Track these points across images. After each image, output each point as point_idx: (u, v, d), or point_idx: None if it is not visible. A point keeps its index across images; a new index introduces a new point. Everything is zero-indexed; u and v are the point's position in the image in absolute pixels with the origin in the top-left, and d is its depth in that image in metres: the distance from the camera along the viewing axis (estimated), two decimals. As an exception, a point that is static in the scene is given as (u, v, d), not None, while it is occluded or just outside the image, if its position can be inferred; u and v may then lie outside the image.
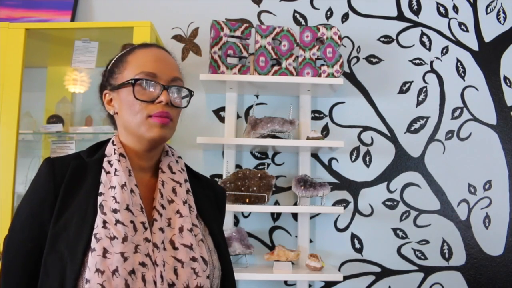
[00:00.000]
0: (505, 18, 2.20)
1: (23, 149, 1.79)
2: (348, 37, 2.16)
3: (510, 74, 2.17)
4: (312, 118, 2.09)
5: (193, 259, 0.86)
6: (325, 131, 2.10)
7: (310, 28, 1.96)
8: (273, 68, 1.92)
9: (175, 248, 0.86)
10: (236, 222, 2.02)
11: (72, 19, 2.02)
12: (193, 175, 1.04)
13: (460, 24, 2.19)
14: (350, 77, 2.13)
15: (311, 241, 2.01)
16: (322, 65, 1.94)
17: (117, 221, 0.82)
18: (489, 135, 2.12)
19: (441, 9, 2.19)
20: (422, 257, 2.05)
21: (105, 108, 0.99)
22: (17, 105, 1.63)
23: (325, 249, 2.03)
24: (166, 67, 0.94)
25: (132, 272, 0.79)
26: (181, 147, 2.05)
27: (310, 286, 2.00)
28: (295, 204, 1.99)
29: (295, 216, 2.03)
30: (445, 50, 2.17)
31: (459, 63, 2.16)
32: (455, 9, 2.19)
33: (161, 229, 0.87)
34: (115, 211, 0.83)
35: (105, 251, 0.79)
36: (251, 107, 2.07)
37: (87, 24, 1.86)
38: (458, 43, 2.18)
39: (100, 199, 0.85)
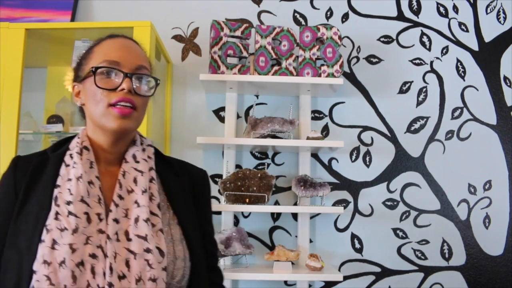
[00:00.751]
0: (505, 18, 2.20)
1: (23, 149, 1.79)
2: (348, 37, 2.16)
3: (510, 74, 2.17)
4: (312, 118, 2.09)
5: (147, 250, 0.84)
6: (325, 131, 2.10)
7: (310, 28, 1.96)
8: (273, 68, 1.92)
9: (129, 239, 0.84)
10: (236, 222, 2.02)
11: (72, 19, 2.02)
12: (166, 162, 1.02)
13: (460, 24, 2.19)
14: (350, 77, 2.13)
15: (311, 241, 2.01)
16: (322, 65, 1.94)
17: (70, 213, 0.82)
18: (489, 135, 2.12)
19: (441, 9, 2.19)
20: (422, 257, 2.05)
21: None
22: (17, 105, 1.63)
23: (325, 249, 2.03)
24: (130, 55, 0.93)
25: (81, 263, 0.79)
26: (181, 147, 2.05)
27: (310, 286, 2.00)
28: (295, 204, 1.99)
29: (295, 216, 2.03)
30: (445, 50, 2.17)
31: (459, 63, 2.16)
32: (455, 9, 2.19)
33: (116, 220, 0.85)
34: (68, 203, 0.83)
35: (54, 242, 0.79)
36: (251, 107, 2.07)
37: (87, 24, 1.86)
38: (458, 43, 2.18)
39: (56, 191, 0.86)
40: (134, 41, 0.99)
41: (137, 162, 0.95)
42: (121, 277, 0.81)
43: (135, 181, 0.91)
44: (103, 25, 1.77)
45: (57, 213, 0.83)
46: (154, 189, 0.93)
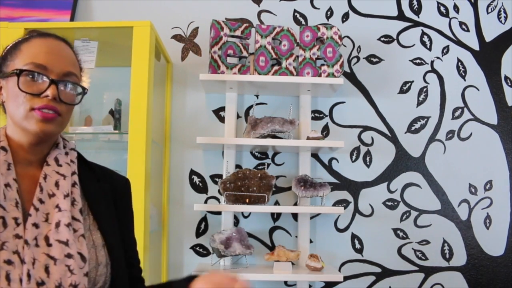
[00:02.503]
0: (506, 18, 2.20)
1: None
2: (348, 37, 2.15)
3: (511, 73, 2.16)
4: (312, 118, 2.08)
5: (68, 255, 0.81)
6: (325, 131, 2.09)
7: (310, 28, 1.96)
8: (273, 68, 1.92)
9: (49, 245, 0.81)
10: (236, 222, 2.02)
11: (72, 19, 2.02)
12: (88, 167, 1.00)
13: (460, 23, 2.18)
14: (350, 77, 2.13)
15: (311, 241, 2.01)
16: (322, 65, 1.94)
17: None
18: (490, 135, 2.12)
19: (442, 8, 2.19)
20: (423, 258, 2.04)
21: None
22: (17, 105, 1.62)
23: (325, 249, 2.02)
24: (60, 60, 0.89)
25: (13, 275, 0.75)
26: (181, 147, 2.05)
27: (310, 287, 2.00)
28: (295, 204, 1.99)
29: (295, 216, 2.02)
30: (445, 50, 2.16)
31: (459, 63, 2.16)
32: (456, 8, 2.19)
33: (35, 225, 0.82)
34: None
35: None
36: (251, 107, 2.07)
37: (87, 24, 1.86)
38: (458, 42, 2.17)
39: None
40: (66, 43, 0.95)
41: (60, 165, 0.92)
42: (40, 283, 0.78)
43: (57, 184, 0.88)
44: (102, 24, 1.77)
45: None
46: (76, 193, 0.91)
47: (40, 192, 0.86)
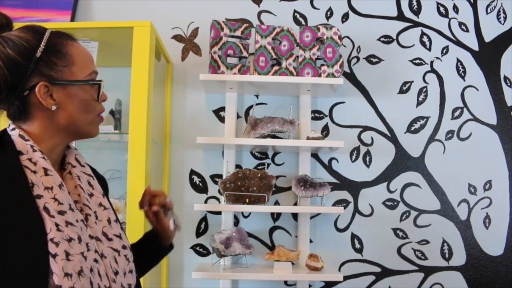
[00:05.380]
0: (505, 18, 2.20)
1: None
2: (348, 37, 2.15)
3: (510, 74, 2.16)
4: (312, 118, 2.09)
5: (124, 247, 0.92)
6: (325, 131, 2.10)
7: (310, 28, 1.96)
8: (273, 68, 1.92)
9: (109, 239, 0.90)
10: (236, 222, 2.02)
11: (72, 19, 2.02)
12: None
13: (460, 24, 2.19)
14: (350, 77, 2.13)
15: (311, 241, 2.01)
16: (322, 65, 1.94)
17: (67, 223, 0.81)
18: (489, 135, 2.12)
19: (441, 9, 2.19)
20: (422, 257, 2.05)
21: (24, 98, 0.86)
22: (17, 105, 1.62)
23: (325, 249, 2.03)
24: None
25: (91, 269, 0.81)
26: (181, 147, 2.05)
27: (310, 286, 2.00)
28: (295, 204, 1.99)
29: (295, 216, 2.03)
30: (445, 50, 2.17)
31: (459, 63, 2.16)
32: (455, 9, 2.19)
33: (96, 223, 0.89)
34: (61, 212, 0.81)
35: (67, 254, 0.78)
36: (251, 107, 2.07)
37: (87, 24, 1.86)
38: (458, 43, 2.17)
39: (41, 202, 0.80)
40: None
41: (83, 166, 0.96)
42: (115, 273, 0.87)
43: (90, 184, 0.94)
44: (103, 25, 1.77)
45: (57, 224, 0.79)
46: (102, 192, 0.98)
47: (83, 192, 0.91)
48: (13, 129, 0.87)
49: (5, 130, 0.88)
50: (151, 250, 1.15)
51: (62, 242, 0.78)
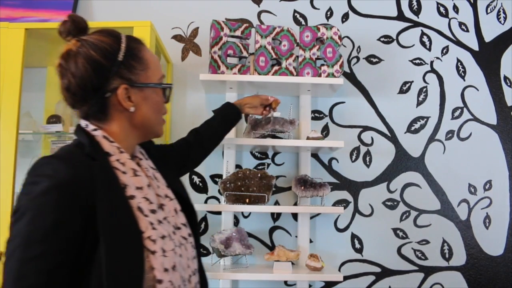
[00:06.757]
0: (505, 18, 2.20)
1: (23, 149, 1.79)
2: (348, 37, 2.15)
3: (510, 74, 2.16)
4: (312, 118, 2.09)
5: (189, 234, 0.97)
6: (325, 131, 2.10)
7: (310, 28, 1.96)
8: (273, 68, 1.92)
9: (177, 228, 0.94)
10: (236, 222, 2.02)
11: (72, 19, 2.02)
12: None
13: (460, 24, 2.19)
14: (350, 77, 2.13)
15: (311, 241, 2.01)
16: (322, 65, 1.94)
17: (159, 221, 0.87)
18: (489, 135, 2.12)
19: (441, 9, 2.19)
20: (422, 257, 2.04)
21: (105, 99, 0.89)
22: (17, 105, 1.62)
23: (325, 249, 2.02)
24: None
25: (180, 263, 0.88)
26: (181, 147, 2.05)
27: (310, 286, 2.00)
28: (295, 204, 1.99)
29: (295, 216, 2.03)
30: (445, 50, 2.17)
31: (459, 63, 2.16)
32: (455, 9, 2.19)
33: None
34: (153, 211, 0.87)
35: (163, 250, 0.84)
36: (251, 107, 2.07)
37: (87, 24, 1.86)
38: (458, 43, 2.17)
39: (134, 202, 0.85)
40: None
41: (147, 159, 1.01)
42: (188, 259, 0.94)
43: (155, 177, 0.98)
44: (103, 25, 1.75)
45: (151, 223, 0.85)
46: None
47: (154, 183, 0.95)
48: (95, 129, 0.90)
49: (83, 129, 0.91)
50: (231, 119, 1.54)
51: (158, 239, 0.84)
